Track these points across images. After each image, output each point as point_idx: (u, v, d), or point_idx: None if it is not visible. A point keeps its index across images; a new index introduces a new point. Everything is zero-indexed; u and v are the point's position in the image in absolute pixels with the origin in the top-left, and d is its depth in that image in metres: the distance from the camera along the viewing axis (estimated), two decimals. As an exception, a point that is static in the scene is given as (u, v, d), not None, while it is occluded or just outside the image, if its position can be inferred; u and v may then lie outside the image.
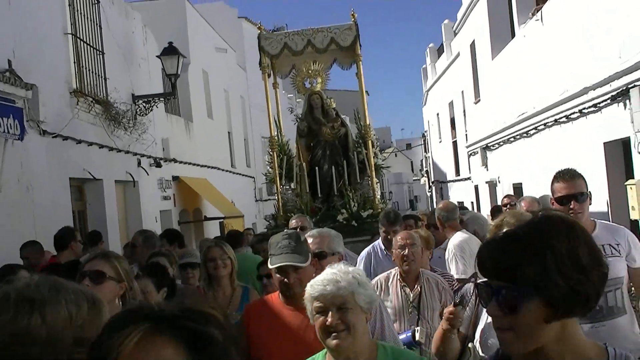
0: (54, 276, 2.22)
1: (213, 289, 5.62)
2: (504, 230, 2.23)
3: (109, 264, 3.98)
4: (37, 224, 9.64)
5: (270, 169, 12.63)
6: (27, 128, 9.41)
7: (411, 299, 5.43)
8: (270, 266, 4.09)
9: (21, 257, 7.67)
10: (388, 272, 5.69)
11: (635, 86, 8.56)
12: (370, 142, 12.01)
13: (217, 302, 5.27)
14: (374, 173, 11.92)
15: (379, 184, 12.83)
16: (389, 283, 5.56)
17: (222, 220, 19.38)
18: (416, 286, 5.46)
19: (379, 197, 12.34)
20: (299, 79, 12.41)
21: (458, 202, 23.87)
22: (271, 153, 12.27)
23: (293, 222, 7.98)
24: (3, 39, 9.43)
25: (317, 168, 11.94)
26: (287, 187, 12.36)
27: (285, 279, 3.98)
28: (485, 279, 1.91)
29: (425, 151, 40.86)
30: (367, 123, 12.21)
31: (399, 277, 5.54)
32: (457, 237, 7.05)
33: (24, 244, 7.90)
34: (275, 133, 12.37)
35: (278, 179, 12.05)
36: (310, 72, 12.24)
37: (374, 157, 12.04)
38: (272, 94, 12.63)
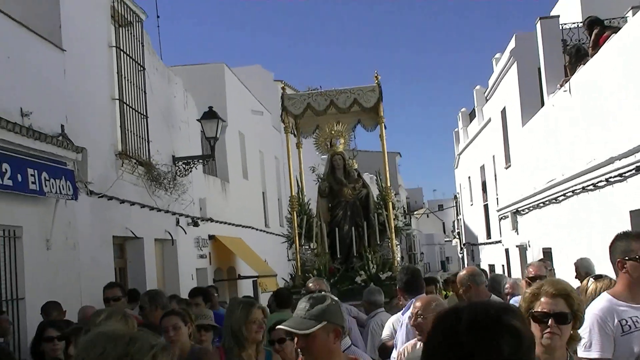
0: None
1: (237, 351, 5.21)
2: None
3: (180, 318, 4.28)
4: (82, 282, 10.10)
5: (290, 229, 12.65)
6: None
7: None
8: (277, 327, 4.11)
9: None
10: (414, 339, 5.47)
11: (658, 158, 8.89)
12: (390, 203, 12.01)
13: None
14: (394, 235, 11.88)
15: (399, 245, 12.86)
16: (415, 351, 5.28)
17: (255, 278, 19.73)
18: None
19: (398, 259, 12.31)
20: (322, 139, 12.53)
21: (489, 264, 24.02)
22: (291, 212, 12.32)
23: (310, 286, 7.97)
24: (57, 106, 10.06)
25: (337, 228, 11.95)
26: (307, 247, 12.39)
27: (296, 345, 3.85)
28: None
29: (457, 213, 41.02)
30: (388, 185, 12.17)
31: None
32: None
33: (47, 306, 8.03)
34: (297, 192, 12.42)
35: (297, 238, 12.05)
36: (333, 132, 12.36)
37: (394, 219, 12.01)
38: (295, 153, 12.76)
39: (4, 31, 8.98)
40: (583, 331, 4.21)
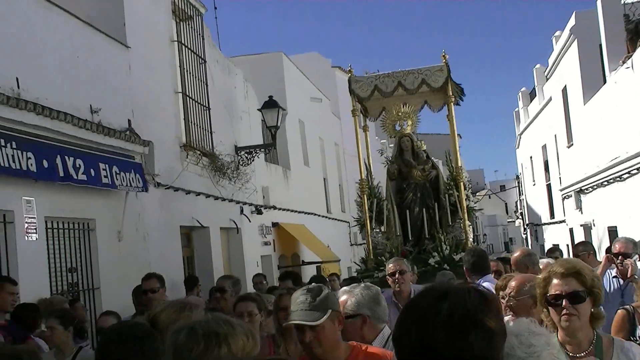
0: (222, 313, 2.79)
1: (285, 340, 5.06)
2: None
3: (256, 304, 4.43)
4: (152, 270, 10.37)
5: (360, 212, 12.61)
6: (145, 181, 10.29)
7: None
8: (284, 324, 3.98)
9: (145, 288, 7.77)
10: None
11: None
12: (462, 184, 11.83)
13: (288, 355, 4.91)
14: (466, 215, 11.70)
15: (471, 226, 12.64)
16: None
17: (319, 264, 19.97)
18: None
19: (471, 239, 12.06)
20: (389, 122, 12.36)
21: (553, 244, 23.78)
22: (361, 196, 12.22)
23: (390, 267, 7.64)
24: (124, 101, 10.40)
25: (407, 211, 11.80)
26: (377, 230, 12.24)
27: (303, 338, 3.75)
28: None
29: (519, 193, 40.61)
30: (459, 165, 12.06)
31: None
32: None
33: (147, 275, 8.02)
34: (365, 176, 12.33)
35: (368, 222, 11.96)
36: (400, 114, 12.18)
37: (466, 200, 11.84)
38: (362, 137, 12.69)
39: (73, 31, 9.32)
40: None
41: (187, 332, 2.53)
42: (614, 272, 7.33)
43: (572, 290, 3.44)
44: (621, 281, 7.22)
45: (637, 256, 7.39)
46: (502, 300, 5.24)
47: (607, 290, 7.09)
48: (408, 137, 12.17)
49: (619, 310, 4.96)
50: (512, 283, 5.04)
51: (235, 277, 9.01)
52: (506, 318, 5.21)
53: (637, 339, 4.64)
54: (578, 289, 3.45)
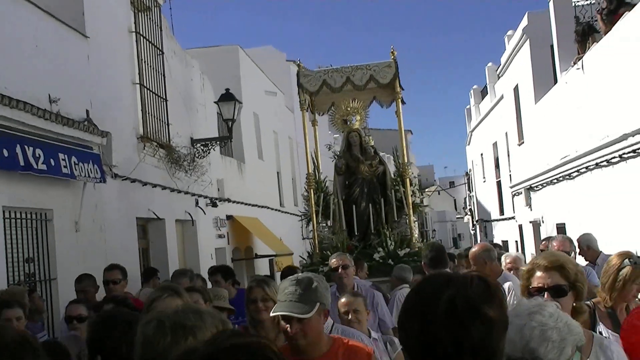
0: (195, 304, 2.83)
1: (258, 332, 4.89)
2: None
3: (182, 299, 3.94)
4: (109, 262, 10.36)
5: (307, 206, 12.58)
6: (103, 172, 10.25)
7: None
8: (272, 313, 3.89)
9: (76, 290, 7.87)
10: None
11: (670, 134, 9.09)
12: (408, 180, 11.92)
13: None
14: (411, 211, 11.78)
15: (417, 222, 12.74)
16: None
17: (272, 257, 20.06)
18: None
19: (416, 235, 12.21)
20: (338, 116, 12.42)
21: (502, 240, 24.24)
22: (308, 190, 12.23)
23: (333, 261, 7.74)
24: (82, 91, 10.33)
25: (354, 206, 11.86)
26: (324, 224, 12.31)
27: (288, 329, 3.75)
28: None
29: (469, 190, 41.18)
30: (406, 161, 12.11)
31: None
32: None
33: (80, 277, 8.07)
34: (313, 170, 12.35)
35: (314, 216, 11.97)
36: (349, 109, 12.25)
37: (412, 196, 11.92)
38: (311, 131, 12.74)
39: (32, 20, 9.24)
40: None
41: (156, 324, 2.52)
42: None
43: (554, 284, 3.45)
44: None
45: (573, 254, 7.54)
46: None
47: None
48: (356, 132, 12.28)
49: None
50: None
51: (190, 271, 8.95)
52: None
53: (599, 334, 4.72)
54: (560, 283, 3.45)
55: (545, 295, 3.40)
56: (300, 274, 4.18)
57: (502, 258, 8.39)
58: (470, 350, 1.91)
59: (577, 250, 8.97)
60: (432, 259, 7.16)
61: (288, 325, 3.72)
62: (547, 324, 2.48)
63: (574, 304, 3.53)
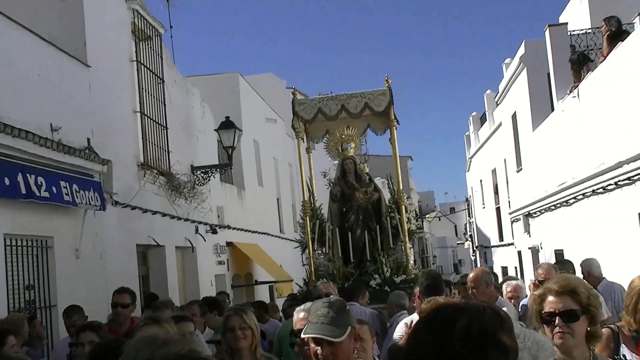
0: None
1: None
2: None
3: (162, 328, 4.00)
4: (109, 289, 10.43)
5: (302, 234, 12.65)
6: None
7: None
8: (303, 334, 3.78)
9: (66, 326, 7.78)
10: None
11: (664, 162, 9.21)
12: (403, 207, 11.98)
13: None
14: (407, 238, 11.84)
15: (412, 249, 12.59)
16: None
17: (272, 284, 20.10)
18: None
19: (412, 262, 12.24)
20: (333, 144, 12.54)
21: (501, 266, 24.27)
22: (304, 217, 12.28)
23: (320, 288, 7.87)
24: (83, 120, 10.47)
25: (349, 233, 11.90)
26: (320, 251, 12.33)
27: (318, 351, 3.63)
28: None
29: (469, 216, 41.24)
30: (400, 188, 12.19)
31: None
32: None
33: (69, 309, 7.96)
34: (308, 197, 12.40)
35: (310, 243, 12.03)
36: (343, 137, 12.37)
37: (407, 222, 11.98)
38: (306, 158, 12.84)
39: (35, 50, 9.41)
40: None
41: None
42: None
43: (566, 309, 3.41)
44: None
45: None
46: None
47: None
48: (351, 160, 12.40)
49: (604, 329, 5.06)
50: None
51: (170, 301, 8.73)
52: None
53: (622, 357, 4.75)
54: (572, 307, 3.41)
55: (557, 320, 3.39)
56: (332, 296, 4.19)
57: (504, 286, 8.44)
58: None
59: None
60: (427, 287, 7.15)
61: (318, 348, 3.62)
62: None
63: (589, 328, 3.46)
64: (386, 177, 13.27)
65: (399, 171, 12.51)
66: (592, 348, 3.52)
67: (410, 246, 12.26)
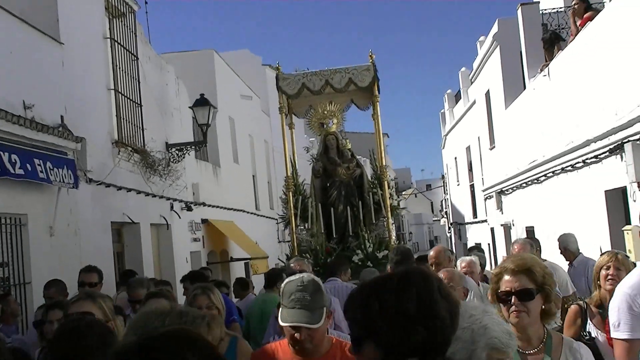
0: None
1: None
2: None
3: (96, 304, 3.87)
4: (83, 265, 10.49)
5: (285, 209, 12.71)
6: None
7: None
8: (281, 322, 3.76)
9: (45, 297, 7.75)
10: None
11: (629, 141, 9.38)
12: (385, 182, 12.09)
13: None
14: (389, 214, 11.95)
15: (394, 224, 12.92)
16: None
17: (247, 261, 20.23)
18: None
19: (394, 237, 12.38)
20: (315, 120, 12.57)
21: (475, 243, 24.56)
22: (287, 193, 12.37)
23: (292, 266, 7.87)
24: (57, 97, 10.46)
25: (332, 208, 12.01)
26: (302, 227, 12.42)
27: (296, 335, 3.68)
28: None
29: (445, 193, 41.56)
30: (383, 164, 12.28)
31: None
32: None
33: (48, 283, 8.00)
34: (291, 173, 12.46)
35: (293, 219, 12.11)
36: (326, 113, 12.40)
37: (389, 198, 12.08)
38: (289, 134, 12.87)
39: (7, 27, 9.36)
40: (612, 309, 4.17)
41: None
42: None
43: (521, 288, 3.44)
44: None
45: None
46: None
47: None
48: (333, 136, 12.47)
49: (572, 305, 5.12)
50: (443, 274, 5.23)
51: (146, 280, 8.77)
52: None
53: (587, 334, 4.86)
54: (528, 286, 3.44)
55: (513, 299, 3.42)
56: (303, 275, 3.98)
57: (458, 262, 8.56)
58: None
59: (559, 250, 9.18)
60: (397, 262, 7.35)
61: (297, 333, 3.66)
62: (460, 324, 2.44)
63: (543, 307, 3.50)
64: (369, 153, 13.29)
65: (382, 147, 12.58)
66: (545, 325, 3.59)
67: (393, 222, 12.39)
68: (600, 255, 5.38)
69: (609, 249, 10.66)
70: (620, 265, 5.07)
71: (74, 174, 10.07)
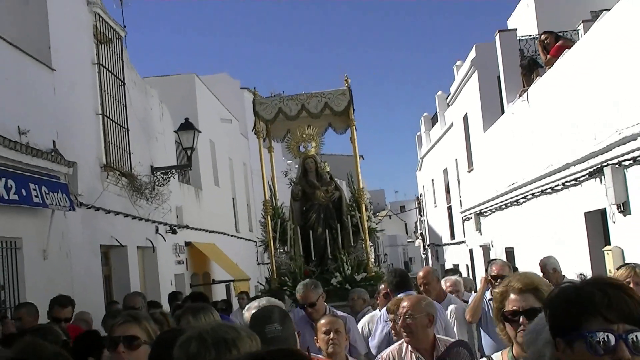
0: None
1: None
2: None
3: (141, 327, 3.76)
4: (75, 288, 10.64)
5: (264, 233, 12.67)
6: (70, 201, 10.54)
7: None
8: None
9: (13, 317, 7.71)
10: (398, 342, 5.40)
11: (607, 165, 9.73)
12: (363, 205, 12.11)
13: None
14: (367, 236, 12.00)
15: (372, 247, 12.68)
16: (402, 355, 5.19)
17: (229, 282, 20.35)
18: (434, 354, 5.05)
19: (372, 260, 12.37)
20: (294, 143, 12.58)
21: (453, 264, 24.85)
22: (265, 216, 12.37)
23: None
24: (49, 123, 10.64)
25: (310, 231, 12.03)
26: (281, 250, 12.42)
27: None
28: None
29: (420, 214, 41.88)
30: (361, 187, 12.37)
31: (411, 347, 5.17)
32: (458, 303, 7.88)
33: (20, 304, 8.08)
34: (270, 196, 12.49)
35: (272, 242, 12.09)
36: (304, 136, 12.44)
37: (367, 221, 12.13)
38: (267, 158, 12.98)
39: (1, 54, 9.54)
40: None
41: (197, 341, 2.61)
42: (489, 294, 7.62)
43: (529, 307, 3.36)
44: None
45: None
46: (396, 322, 5.53)
47: (486, 312, 7.68)
48: (312, 159, 12.50)
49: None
50: (405, 303, 5.20)
51: (118, 311, 8.85)
52: (397, 344, 5.35)
53: None
54: (535, 305, 3.33)
55: (521, 319, 3.35)
56: (267, 307, 3.94)
57: (442, 281, 8.74)
58: None
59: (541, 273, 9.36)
60: (397, 284, 7.52)
61: None
62: None
63: None
64: (345, 176, 13.42)
65: (359, 169, 12.75)
66: None
67: (371, 244, 12.43)
68: (617, 269, 5.24)
69: (589, 270, 11.02)
70: (639, 279, 4.97)
71: (69, 197, 10.23)
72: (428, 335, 5.15)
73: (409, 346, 5.11)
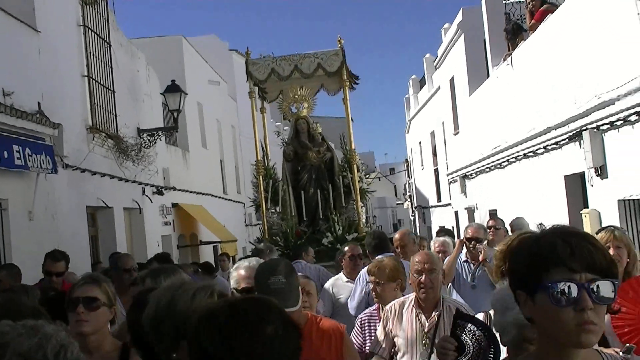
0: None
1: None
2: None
3: (100, 288, 3.77)
4: (61, 249, 10.68)
5: (256, 193, 12.84)
6: (55, 163, 10.62)
7: (426, 329, 4.95)
8: None
9: None
10: (405, 297, 5.34)
11: (586, 129, 9.86)
12: (355, 166, 12.28)
13: None
14: (359, 197, 12.15)
15: (364, 207, 12.85)
16: (404, 310, 5.14)
17: (216, 244, 20.54)
18: (433, 314, 5.01)
19: (363, 220, 12.53)
20: (286, 104, 12.68)
21: (440, 226, 25.04)
22: (257, 177, 12.50)
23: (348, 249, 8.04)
24: (34, 84, 10.66)
25: (302, 192, 12.21)
26: (273, 210, 12.56)
27: None
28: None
29: (408, 176, 42.03)
30: (353, 148, 12.52)
31: (414, 303, 5.11)
32: None
33: (1, 266, 8.15)
34: (262, 157, 12.60)
35: (264, 202, 12.22)
36: (296, 97, 12.52)
37: (359, 182, 12.29)
38: (259, 119, 13.02)
39: (-15, 16, 9.56)
40: None
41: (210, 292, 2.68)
42: (463, 256, 7.95)
43: None
44: (472, 265, 7.82)
45: (486, 242, 7.90)
46: (377, 284, 5.67)
47: (459, 273, 7.86)
48: (304, 120, 12.64)
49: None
50: (421, 257, 5.15)
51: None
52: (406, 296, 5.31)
53: None
54: None
55: None
56: (274, 259, 4.01)
57: (431, 243, 8.93)
58: None
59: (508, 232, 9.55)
60: (375, 246, 7.64)
61: None
62: None
63: None
64: (338, 138, 13.50)
65: (351, 130, 12.83)
66: None
67: (362, 205, 12.51)
68: (596, 233, 5.07)
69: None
70: (620, 243, 4.85)
71: (52, 160, 10.31)
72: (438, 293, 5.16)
73: (413, 301, 5.09)
